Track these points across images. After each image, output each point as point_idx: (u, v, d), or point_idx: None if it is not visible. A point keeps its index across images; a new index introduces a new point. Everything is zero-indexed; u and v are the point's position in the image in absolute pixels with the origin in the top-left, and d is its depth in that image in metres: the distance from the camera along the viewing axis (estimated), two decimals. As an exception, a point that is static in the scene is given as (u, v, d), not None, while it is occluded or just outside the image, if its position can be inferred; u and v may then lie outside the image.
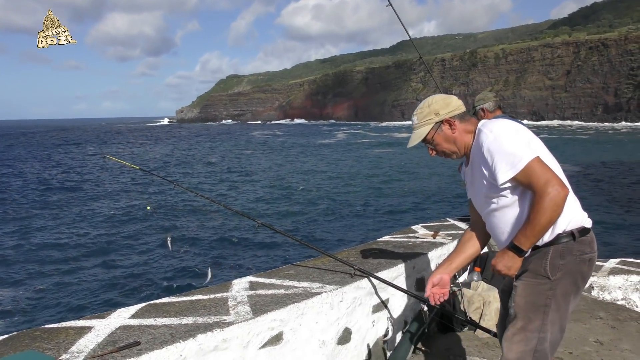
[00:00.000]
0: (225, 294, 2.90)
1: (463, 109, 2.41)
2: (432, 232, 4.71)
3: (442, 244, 4.24)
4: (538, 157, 2.09)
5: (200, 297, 2.86)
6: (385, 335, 3.46)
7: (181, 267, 14.51)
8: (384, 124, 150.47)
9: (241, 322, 2.44)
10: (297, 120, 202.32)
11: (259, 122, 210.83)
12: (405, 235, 4.60)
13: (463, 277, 4.43)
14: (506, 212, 2.26)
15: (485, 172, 2.22)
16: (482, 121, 2.33)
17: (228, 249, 15.78)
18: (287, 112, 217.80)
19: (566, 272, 2.18)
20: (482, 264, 4.55)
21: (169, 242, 4.18)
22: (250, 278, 3.25)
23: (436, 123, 2.38)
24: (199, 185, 30.41)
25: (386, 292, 3.40)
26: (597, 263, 6.27)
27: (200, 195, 3.52)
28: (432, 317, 3.87)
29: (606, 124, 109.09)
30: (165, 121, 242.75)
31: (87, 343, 2.19)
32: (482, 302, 4.11)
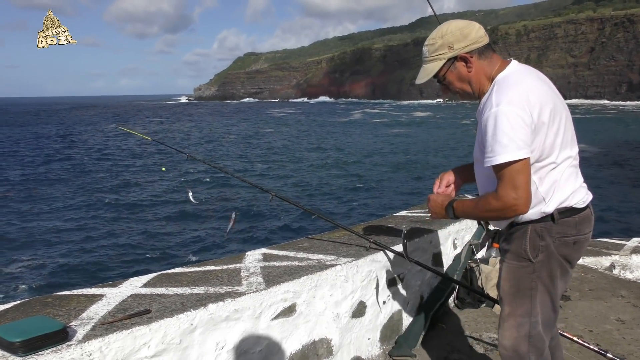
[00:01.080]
0: (238, 265, 2.86)
1: (484, 41, 2.07)
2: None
3: (459, 219, 4.14)
4: (523, 162, 1.90)
5: (213, 267, 2.82)
6: (402, 309, 3.41)
7: (195, 237, 14.69)
8: (403, 102, 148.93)
9: (253, 292, 2.40)
10: (314, 99, 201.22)
11: (277, 100, 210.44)
12: (423, 210, 4.51)
13: (481, 253, 4.34)
14: (487, 182, 2.12)
15: (479, 134, 2.07)
16: (501, 77, 2.06)
17: (242, 221, 15.84)
18: (304, 90, 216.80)
19: (548, 253, 2.06)
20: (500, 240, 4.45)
21: (190, 195, 4.16)
22: (263, 250, 3.21)
23: (449, 60, 2.09)
24: (217, 159, 30.64)
25: (402, 267, 3.33)
26: (619, 242, 6.15)
27: (214, 166, 3.46)
28: (449, 292, 3.80)
29: (631, 102, 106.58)
30: (184, 99, 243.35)
31: (97, 310, 2.16)
32: (500, 278, 4.02)
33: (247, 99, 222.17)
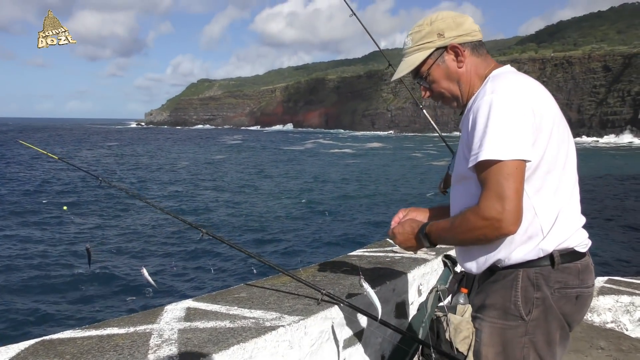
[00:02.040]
0: (149, 326, 2.18)
1: (478, 36, 1.71)
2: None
3: (425, 260, 3.60)
4: (516, 165, 1.45)
5: (115, 330, 2.13)
6: (358, 376, 2.78)
7: (102, 287, 12.17)
8: (356, 132, 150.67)
9: (160, 374, 1.73)
10: (268, 127, 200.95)
11: (230, 126, 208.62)
12: (382, 249, 3.94)
13: (448, 300, 3.80)
14: (466, 198, 1.62)
15: (465, 135, 1.59)
16: (496, 72, 1.66)
17: (166, 264, 13.73)
18: (258, 118, 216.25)
19: (545, 309, 1.56)
20: (469, 285, 3.93)
21: (89, 252, 3.25)
22: (189, 302, 2.54)
23: (438, 49, 1.68)
24: (149, 187, 28.90)
25: (360, 322, 2.73)
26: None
27: (132, 194, 2.79)
28: (414, 350, 3.22)
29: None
30: (134, 124, 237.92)
31: None
32: (471, 330, 3.48)
33: (200, 125, 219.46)
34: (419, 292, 3.46)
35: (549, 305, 1.54)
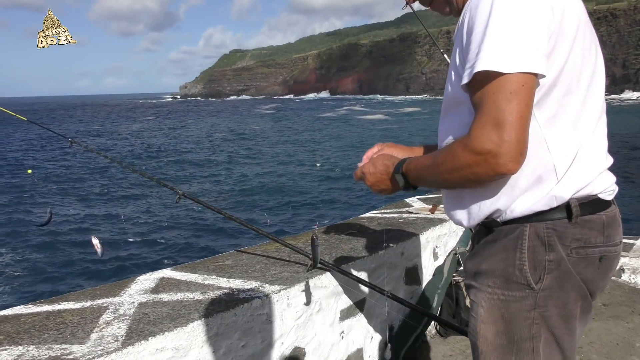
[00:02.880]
0: (109, 300, 1.91)
1: None
2: (431, 206, 3.69)
3: (442, 220, 3.23)
4: (525, 80, 1.05)
5: (70, 305, 1.88)
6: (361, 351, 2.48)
7: (68, 258, 11.66)
8: (390, 97, 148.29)
9: (96, 357, 1.45)
10: (301, 95, 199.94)
11: (262, 96, 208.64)
12: (396, 210, 3.59)
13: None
14: (458, 129, 1.24)
15: (459, 45, 1.20)
16: None
17: (151, 232, 13.29)
18: (291, 86, 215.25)
19: (560, 274, 1.17)
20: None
21: (49, 214, 3.03)
22: (165, 272, 2.27)
23: None
24: (186, 159, 29.00)
25: (361, 290, 2.41)
26: (626, 241, 5.26)
27: (104, 155, 2.51)
28: (427, 321, 2.89)
29: (615, 95, 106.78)
30: (169, 97, 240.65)
31: None
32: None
33: (233, 96, 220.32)
34: (435, 256, 3.11)
35: (565, 269, 1.17)
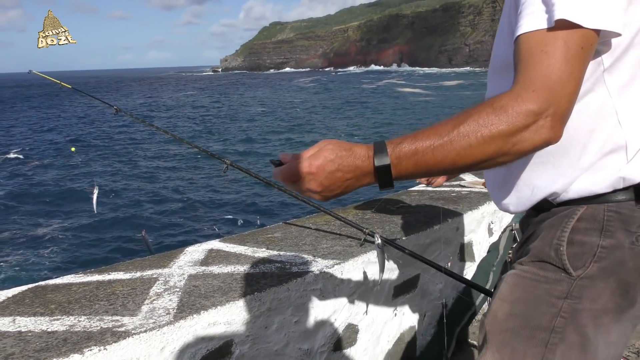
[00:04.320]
0: (159, 271, 1.87)
1: None
2: (483, 180, 3.53)
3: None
4: (590, 40, 0.86)
5: (120, 275, 1.84)
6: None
7: (114, 231, 11.80)
8: (432, 70, 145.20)
9: (149, 330, 1.40)
10: (341, 68, 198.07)
11: (302, 69, 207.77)
12: (448, 184, 3.44)
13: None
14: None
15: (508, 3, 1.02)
16: None
17: (205, 201, 13.35)
18: (331, 59, 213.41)
19: (612, 265, 0.98)
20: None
21: (95, 193, 3.12)
22: (213, 243, 2.21)
23: None
24: (229, 132, 29.27)
25: (415, 266, 2.30)
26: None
27: (149, 124, 2.46)
28: (481, 299, 2.77)
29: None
30: (209, 71, 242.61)
31: None
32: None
33: (273, 69, 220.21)
34: (490, 232, 2.97)
35: (620, 259, 0.97)
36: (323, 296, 1.83)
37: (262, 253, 2.04)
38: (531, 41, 0.87)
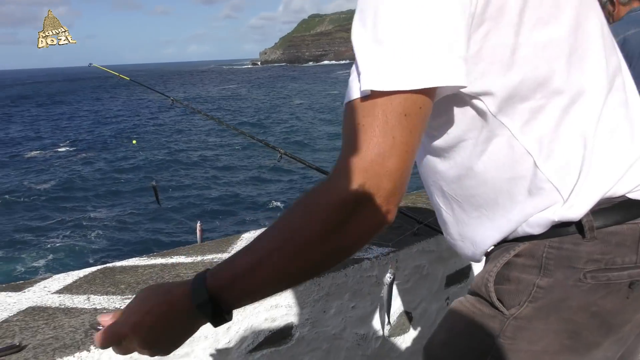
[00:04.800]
0: (219, 255, 1.93)
1: None
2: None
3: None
4: (412, 100, 0.70)
5: (182, 259, 1.91)
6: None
7: (171, 220, 12.36)
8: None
9: (215, 310, 1.46)
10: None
11: (342, 61, 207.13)
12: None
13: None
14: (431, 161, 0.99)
15: None
16: None
17: (252, 193, 13.75)
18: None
19: (551, 305, 0.86)
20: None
21: (155, 189, 3.20)
22: (268, 231, 2.27)
23: None
24: (269, 125, 29.66)
25: (468, 257, 2.30)
26: None
27: (205, 114, 2.53)
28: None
29: None
30: (249, 64, 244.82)
31: (-55, 342, 1.30)
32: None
33: (311, 62, 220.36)
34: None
35: (561, 299, 0.85)
36: (378, 283, 1.86)
37: (317, 240, 2.08)
38: (349, 113, 0.73)
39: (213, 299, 0.75)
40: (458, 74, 0.71)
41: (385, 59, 0.70)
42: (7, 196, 16.86)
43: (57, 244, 12.70)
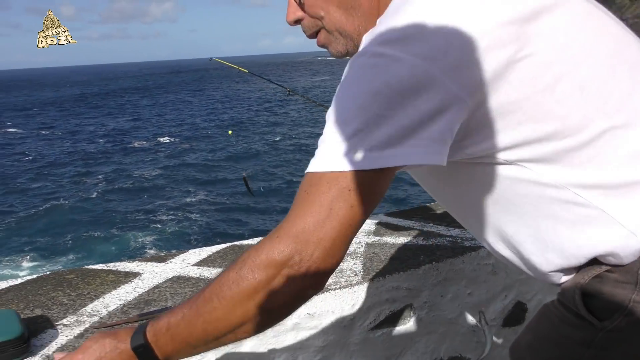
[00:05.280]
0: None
1: None
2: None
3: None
4: (355, 175, 0.74)
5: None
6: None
7: (264, 210, 13.28)
8: None
9: (342, 287, 1.55)
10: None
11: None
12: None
13: None
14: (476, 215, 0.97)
15: None
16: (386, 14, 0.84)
17: None
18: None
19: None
20: None
21: (246, 180, 3.49)
22: (381, 217, 2.34)
23: None
24: None
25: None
26: None
27: (320, 104, 2.63)
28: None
29: None
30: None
31: (112, 300, 1.50)
32: None
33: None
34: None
35: None
36: (495, 272, 1.86)
37: (430, 227, 2.12)
38: (303, 180, 0.79)
39: (149, 345, 0.81)
40: (412, 155, 0.73)
41: (336, 143, 0.74)
42: (118, 182, 18.35)
43: (162, 225, 13.78)
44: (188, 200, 15.75)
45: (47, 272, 1.75)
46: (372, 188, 0.76)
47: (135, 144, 26.49)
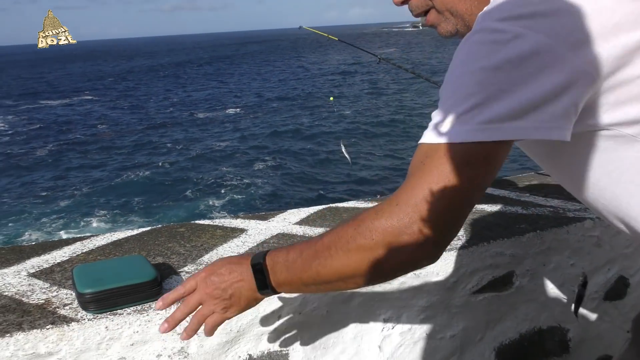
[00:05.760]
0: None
1: None
2: None
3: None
4: (473, 147, 0.74)
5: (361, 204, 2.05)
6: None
7: (362, 180, 13.75)
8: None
9: (447, 251, 1.56)
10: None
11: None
12: None
13: None
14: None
15: None
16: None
17: None
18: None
19: None
20: None
21: (343, 149, 3.67)
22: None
23: None
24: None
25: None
26: None
27: (412, 71, 2.61)
28: None
29: None
30: (409, 27, 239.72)
31: (225, 252, 1.58)
32: None
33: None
34: None
35: None
36: (599, 245, 1.82)
37: (527, 198, 2.08)
38: (418, 151, 0.81)
39: (265, 267, 0.92)
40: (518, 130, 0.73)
41: (453, 116, 0.76)
42: (191, 150, 19.02)
43: (231, 189, 14.45)
44: (276, 163, 16.66)
45: (159, 225, 1.87)
46: (489, 160, 0.77)
47: (203, 115, 27.31)
